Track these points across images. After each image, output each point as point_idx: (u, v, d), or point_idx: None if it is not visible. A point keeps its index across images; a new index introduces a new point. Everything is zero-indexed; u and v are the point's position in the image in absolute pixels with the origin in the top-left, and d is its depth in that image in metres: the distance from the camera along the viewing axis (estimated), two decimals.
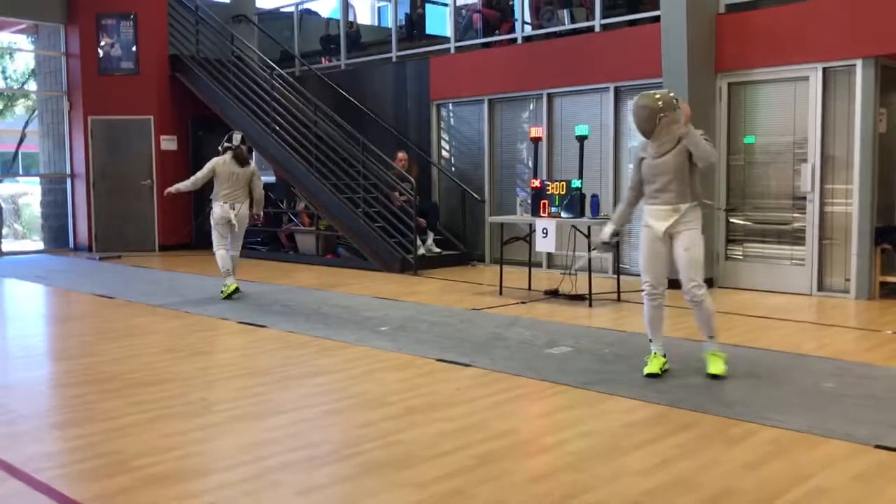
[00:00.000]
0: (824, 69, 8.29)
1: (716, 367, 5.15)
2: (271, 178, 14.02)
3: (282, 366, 5.66)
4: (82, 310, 8.29)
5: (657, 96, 5.10)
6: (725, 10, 8.89)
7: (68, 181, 13.95)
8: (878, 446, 3.87)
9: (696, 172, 5.15)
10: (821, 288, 8.46)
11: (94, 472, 3.63)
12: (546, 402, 4.71)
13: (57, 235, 14.34)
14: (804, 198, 8.51)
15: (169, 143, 13.71)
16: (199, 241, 13.94)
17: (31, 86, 17.81)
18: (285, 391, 5.05)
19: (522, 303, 8.18)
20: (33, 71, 16.54)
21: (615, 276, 8.72)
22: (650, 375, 5.17)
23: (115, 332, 6.87)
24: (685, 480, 3.50)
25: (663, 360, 5.26)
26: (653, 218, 5.19)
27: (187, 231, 14.00)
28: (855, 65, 8.07)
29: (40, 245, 14.84)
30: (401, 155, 11.37)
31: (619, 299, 8.28)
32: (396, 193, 11.04)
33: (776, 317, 7.35)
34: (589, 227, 8.22)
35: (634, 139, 9.97)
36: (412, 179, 10.85)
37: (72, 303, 8.81)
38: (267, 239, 13.07)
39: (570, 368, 5.45)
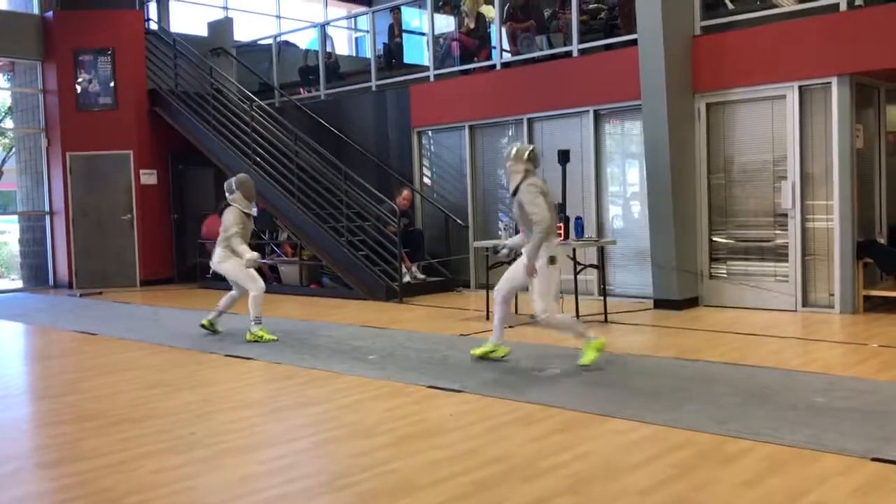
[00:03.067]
0: (800, 87, 8.40)
1: (583, 360, 6.01)
2: (253, 210, 13.99)
3: (270, 397, 5.60)
4: (64, 347, 8.17)
5: (516, 146, 6.20)
6: (701, 31, 9.00)
7: (47, 218, 13.83)
8: (874, 459, 3.87)
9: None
10: (805, 304, 8.50)
11: None
12: (539, 425, 4.67)
13: (36, 273, 14.17)
14: (785, 215, 8.59)
15: (149, 177, 13.64)
16: (181, 276, 13.86)
17: (8, 123, 17.66)
18: (275, 423, 4.98)
19: (510, 327, 8.14)
20: (10, 108, 16.43)
21: (601, 298, 8.73)
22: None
23: (98, 369, 6.77)
24: (685, 500, 3.47)
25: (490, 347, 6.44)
26: None
27: (170, 266, 13.93)
28: (830, 83, 8.18)
29: (19, 283, 14.65)
30: (406, 193, 11.35)
31: (606, 321, 8.28)
32: (391, 228, 10.99)
33: (763, 333, 7.38)
34: (574, 250, 8.25)
35: (615, 161, 10.06)
36: (396, 207, 10.85)
37: (53, 341, 8.68)
38: None
39: (561, 391, 5.43)
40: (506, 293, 6.39)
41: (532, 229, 5.93)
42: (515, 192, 6.06)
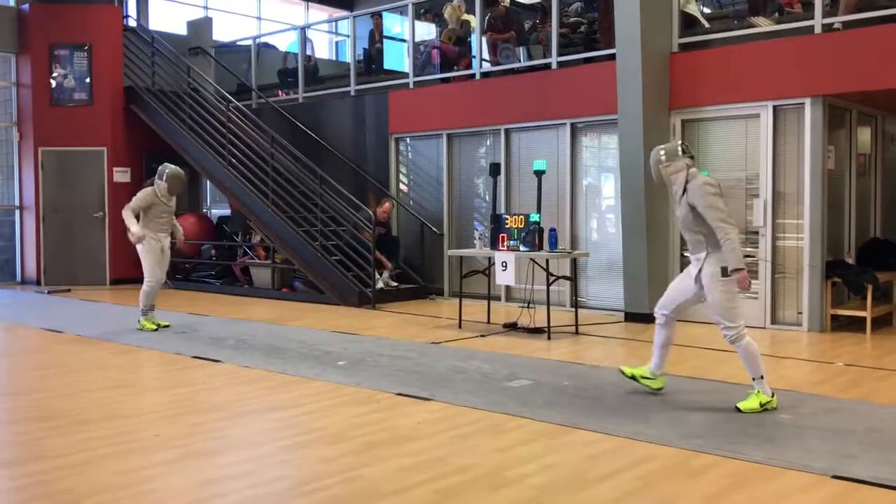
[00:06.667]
0: (774, 107, 8.50)
1: (744, 403, 5.18)
2: (226, 211, 13.92)
3: (237, 401, 5.55)
4: (29, 344, 8.05)
5: (661, 148, 5.42)
6: (678, 48, 9.09)
7: (17, 213, 13.64)
8: (835, 476, 3.91)
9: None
10: (774, 321, 8.59)
11: None
12: (507, 435, 4.67)
13: (3, 268, 13.96)
14: (757, 232, 8.68)
15: (122, 175, 13.50)
16: None
17: None
18: (241, 427, 4.94)
19: (482, 336, 8.16)
20: None
21: (573, 310, 8.76)
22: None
23: (63, 368, 6.67)
24: None
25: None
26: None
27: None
28: (804, 103, 8.30)
29: None
30: (387, 206, 11.35)
31: (577, 332, 8.31)
32: (367, 234, 10.95)
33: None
34: (547, 261, 8.27)
35: (590, 174, 10.11)
36: (371, 212, 10.83)
37: (18, 337, 8.55)
38: (221, 272, 12.88)
39: (530, 401, 5.43)
40: (669, 312, 5.51)
41: (704, 235, 5.18)
42: (684, 193, 5.22)
